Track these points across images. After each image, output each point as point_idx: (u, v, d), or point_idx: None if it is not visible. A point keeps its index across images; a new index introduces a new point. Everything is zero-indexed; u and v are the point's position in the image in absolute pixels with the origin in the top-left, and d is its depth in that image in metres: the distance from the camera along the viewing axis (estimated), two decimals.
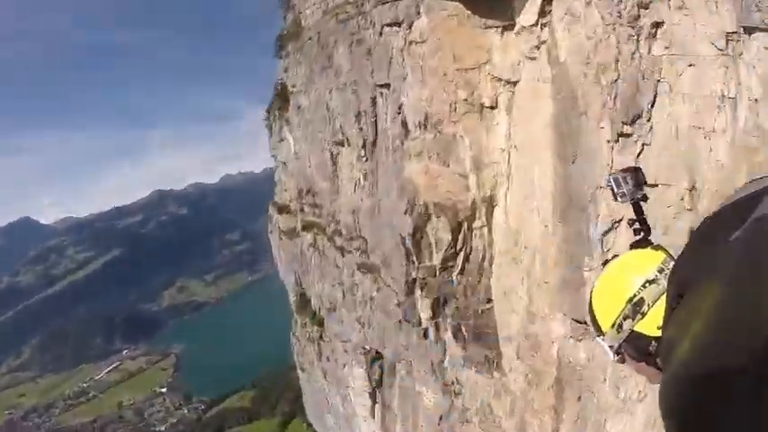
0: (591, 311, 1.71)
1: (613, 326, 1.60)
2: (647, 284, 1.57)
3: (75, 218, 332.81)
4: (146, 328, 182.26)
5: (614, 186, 1.84)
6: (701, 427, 0.86)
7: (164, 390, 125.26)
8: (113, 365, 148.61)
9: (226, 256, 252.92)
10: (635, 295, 1.56)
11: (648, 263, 1.63)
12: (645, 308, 1.54)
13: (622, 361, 1.67)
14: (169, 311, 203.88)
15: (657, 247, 1.71)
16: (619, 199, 1.85)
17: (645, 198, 1.85)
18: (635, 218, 1.85)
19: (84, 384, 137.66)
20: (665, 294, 1.37)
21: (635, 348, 1.57)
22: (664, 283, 1.51)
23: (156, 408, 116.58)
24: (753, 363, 0.80)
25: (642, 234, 1.81)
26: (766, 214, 1.02)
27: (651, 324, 1.48)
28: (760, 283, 0.87)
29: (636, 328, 1.55)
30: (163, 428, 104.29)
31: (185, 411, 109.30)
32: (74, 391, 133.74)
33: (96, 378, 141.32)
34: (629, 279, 1.62)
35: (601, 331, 1.66)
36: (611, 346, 1.64)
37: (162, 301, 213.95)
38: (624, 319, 1.57)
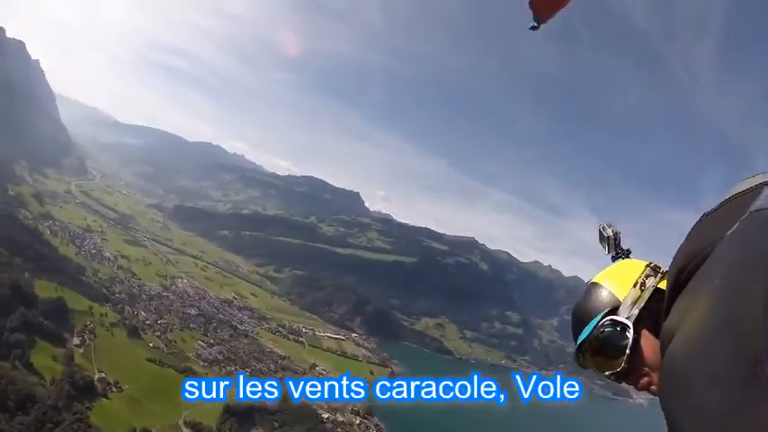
0: (594, 290, 1.67)
1: (636, 285, 1.59)
2: (652, 263, 1.67)
3: (392, 217, 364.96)
4: (386, 330, 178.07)
5: (602, 232, 1.97)
6: (691, 425, 0.84)
7: None
8: (338, 336, 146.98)
9: (494, 327, 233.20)
10: (651, 263, 1.66)
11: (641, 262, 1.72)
12: (663, 269, 1.59)
13: (636, 345, 1.52)
14: (415, 335, 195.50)
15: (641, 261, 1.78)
16: (605, 246, 1.94)
17: (627, 253, 1.90)
18: (616, 252, 1.90)
19: (305, 329, 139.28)
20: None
21: (655, 313, 1.49)
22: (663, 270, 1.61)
23: None
24: (741, 365, 0.78)
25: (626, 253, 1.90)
26: (764, 207, 0.97)
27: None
28: (754, 280, 0.84)
29: (659, 285, 1.56)
30: (325, 416, 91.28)
31: (355, 419, 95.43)
32: (292, 327, 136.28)
33: (316, 333, 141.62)
34: (636, 262, 1.73)
35: (614, 302, 1.60)
36: (628, 317, 1.55)
37: (416, 323, 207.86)
38: (647, 277, 1.60)
